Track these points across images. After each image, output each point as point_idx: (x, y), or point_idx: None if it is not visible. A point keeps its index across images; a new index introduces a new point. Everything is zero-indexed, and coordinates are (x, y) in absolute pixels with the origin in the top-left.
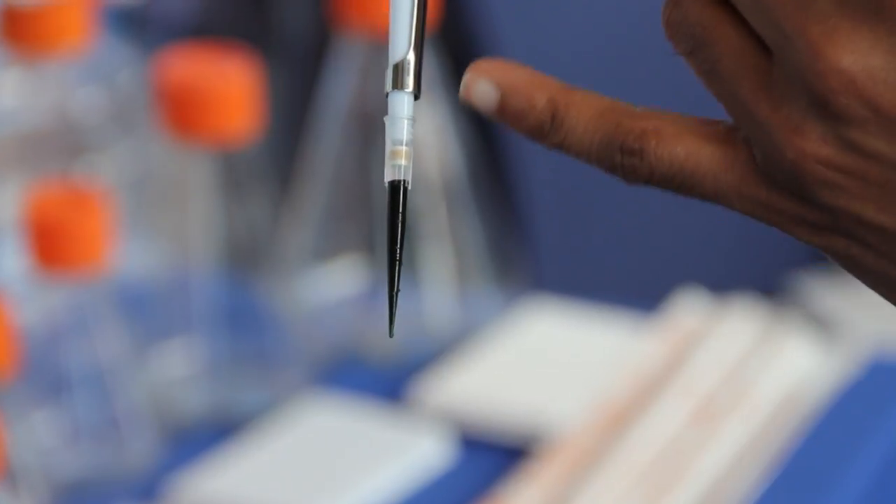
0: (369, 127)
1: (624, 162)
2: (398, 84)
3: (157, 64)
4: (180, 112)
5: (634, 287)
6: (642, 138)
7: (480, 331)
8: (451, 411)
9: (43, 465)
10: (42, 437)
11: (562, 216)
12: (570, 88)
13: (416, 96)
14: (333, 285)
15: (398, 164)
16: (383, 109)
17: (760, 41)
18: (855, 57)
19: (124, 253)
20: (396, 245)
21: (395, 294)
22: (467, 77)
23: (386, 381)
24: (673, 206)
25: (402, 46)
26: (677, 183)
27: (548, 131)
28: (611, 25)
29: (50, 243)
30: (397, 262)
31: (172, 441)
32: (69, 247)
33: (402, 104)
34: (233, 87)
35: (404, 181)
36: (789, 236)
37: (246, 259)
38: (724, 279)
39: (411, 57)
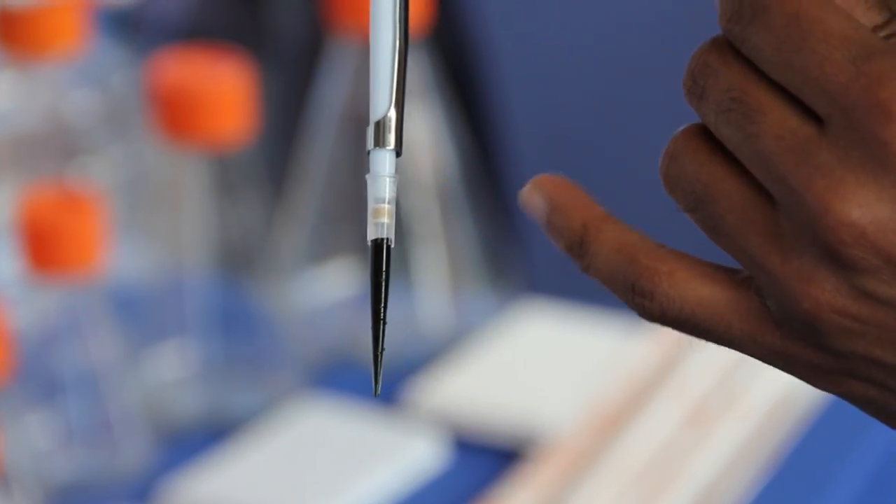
0: (363, 129)
1: (635, 301)
2: (380, 142)
3: (150, 66)
4: (174, 114)
5: None
6: (654, 280)
7: (474, 333)
8: (445, 414)
9: (37, 468)
10: (36, 440)
11: None
12: (605, 218)
13: (398, 153)
14: (327, 288)
15: (381, 222)
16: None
17: (763, 191)
18: (863, 210)
19: (118, 255)
20: (381, 304)
21: (380, 353)
22: (527, 188)
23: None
24: (667, 209)
25: (384, 104)
26: (689, 327)
27: (576, 255)
28: (604, 26)
29: (43, 246)
30: (382, 322)
31: (166, 443)
32: (63, 249)
33: (383, 162)
34: (226, 89)
35: (387, 239)
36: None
37: (240, 261)
38: None
39: (392, 114)
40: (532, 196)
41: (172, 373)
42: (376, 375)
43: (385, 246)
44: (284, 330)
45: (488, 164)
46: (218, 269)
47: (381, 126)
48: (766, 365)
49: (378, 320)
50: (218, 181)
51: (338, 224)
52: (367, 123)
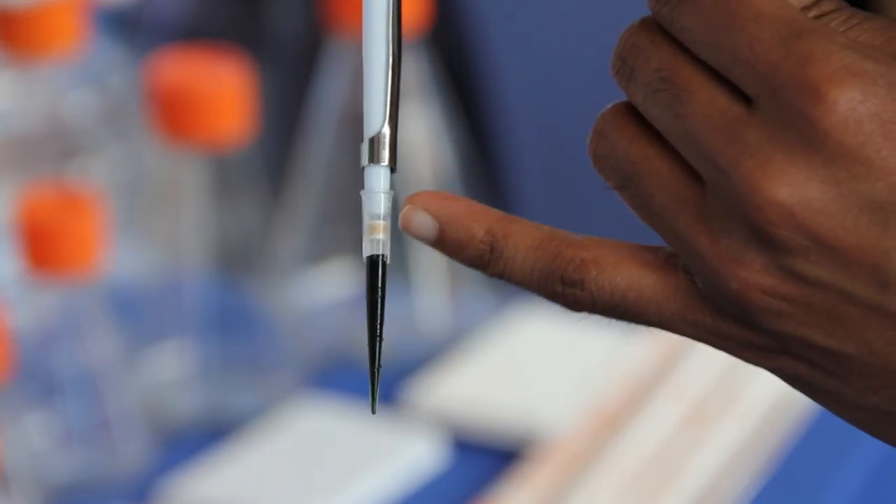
0: (361, 129)
1: (565, 292)
2: (374, 158)
3: (149, 66)
4: (172, 115)
5: None
6: (581, 269)
7: (473, 333)
8: (444, 414)
9: (36, 468)
10: (34, 440)
11: (553, 219)
12: (508, 218)
13: (393, 169)
14: (326, 288)
15: (376, 238)
16: None
17: (692, 171)
18: (791, 189)
19: (116, 256)
20: (376, 321)
21: (376, 371)
22: (405, 209)
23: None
24: None
25: (378, 120)
26: (620, 312)
27: (488, 262)
28: (603, 26)
29: (42, 246)
30: (378, 339)
31: (164, 444)
32: (61, 249)
33: (378, 178)
34: (225, 89)
35: (382, 255)
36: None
37: (238, 262)
38: None
39: (386, 130)
40: (414, 214)
41: (171, 373)
42: (373, 393)
43: (381, 262)
44: (283, 330)
45: (487, 163)
46: (217, 270)
47: (375, 142)
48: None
49: (374, 337)
50: (217, 181)
51: (336, 224)
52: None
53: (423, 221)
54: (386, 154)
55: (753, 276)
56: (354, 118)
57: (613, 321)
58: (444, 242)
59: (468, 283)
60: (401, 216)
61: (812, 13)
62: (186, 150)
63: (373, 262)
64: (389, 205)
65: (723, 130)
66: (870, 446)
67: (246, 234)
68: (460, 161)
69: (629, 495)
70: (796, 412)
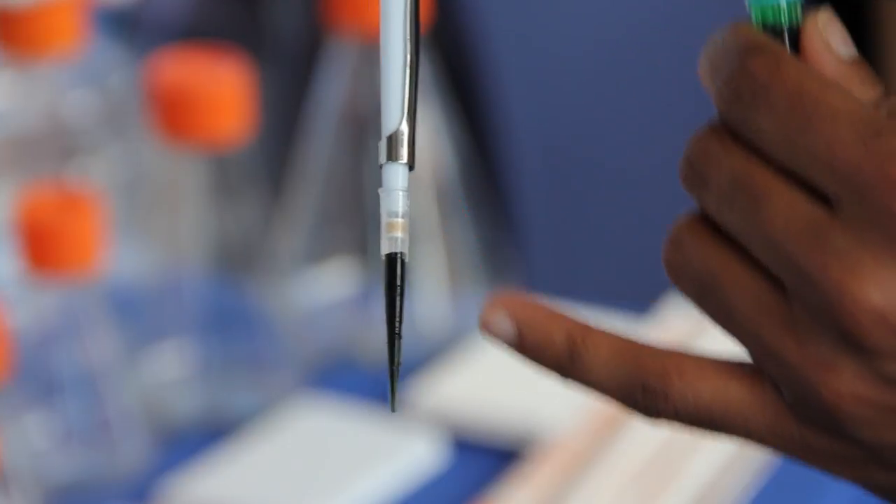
0: (362, 129)
1: (646, 402)
2: (392, 156)
3: (148, 66)
4: (172, 114)
5: (626, 289)
6: (665, 378)
7: (472, 333)
8: (444, 413)
9: (35, 468)
10: (34, 440)
11: (553, 218)
12: (588, 325)
13: (411, 167)
14: (326, 288)
15: (395, 236)
16: (376, 111)
17: (773, 277)
18: (882, 291)
19: (116, 255)
20: (395, 319)
21: (396, 369)
22: (485, 311)
23: (378, 383)
24: (665, 207)
25: (395, 117)
26: (704, 423)
27: (566, 367)
28: (604, 26)
29: (42, 246)
30: (397, 337)
31: (164, 443)
32: (61, 249)
33: (396, 176)
34: (225, 89)
35: (401, 254)
36: None
37: (238, 261)
38: None
39: (405, 128)
40: (495, 317)
41: (171, 373)
42: (393, 391)
43: (399, 260)
44: (283, 330)
45: (487, 163)
46: (216, 269)
47: (393, 140)
48: None
49: (393, 335)
50: (216, 181)
51: (337, 224)
52: (365, 123)
53: (504, 324)
54: (404, 152)
55: (845, 383)
56: (354, 118)
57: (694, 430)
58: (523, 346)
59: (468, 283)
60: (480, 318)
61: (883, 110)
62: (186, 150)
63: (391, 260)
64: (408, 203)
65: (806, 235)
66: None
67: (246, 234)
68: (460, 161)
69: (630, 494)
70: None
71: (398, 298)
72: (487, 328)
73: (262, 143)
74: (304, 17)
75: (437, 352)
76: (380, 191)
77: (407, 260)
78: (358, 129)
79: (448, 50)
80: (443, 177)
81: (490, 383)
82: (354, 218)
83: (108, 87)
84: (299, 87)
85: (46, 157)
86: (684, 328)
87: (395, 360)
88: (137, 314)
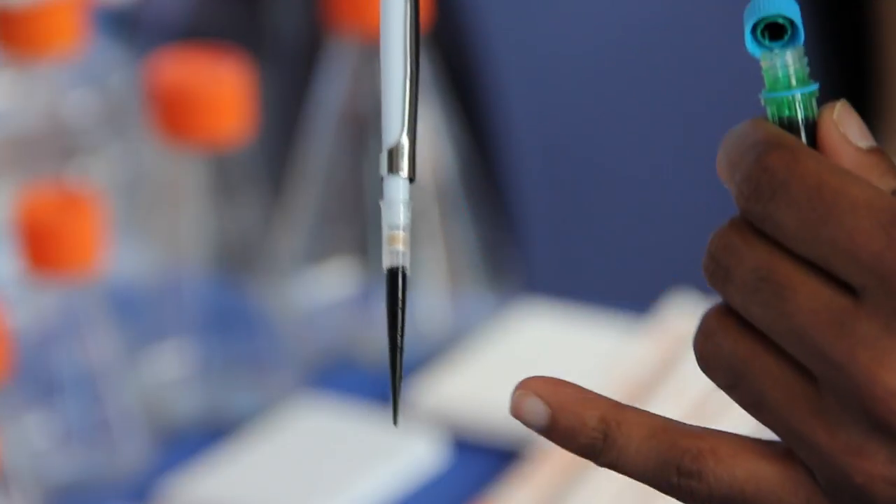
0: (362, 129)
1: (681, 483)
2: (393, 168)
3: (149, 66)
4: (172, 114)
5: (626, 289)
6: (699, 459)
7: (473, 333)
8: (444, 413)
9: (35, 468)
10: (34, 440)
11: (554, 218)
12: (621, 406)
13: (412, 179)
14: (326, 287)
15: (396, 249)
16: (376, 111)
17: (802, 366)
18: None
19: (116, 255)
20: (397, 332)
21: (398, 383)
22: (516, 394)
23: (378, 383)
24: (664, 208)
25: (396, 130)
26: (737, 502)
27: (600, 451)
28: (604, 27)
29: (42, 246)
30: (399, 350)
31: (164, 443)
32: (61, 249)
33: (397, 188)
34: (225, 89)
35: (403, 267)
36: None
37: (238, 261)
38: None
39: (405, 140)
40: (527, 401)
41: (171, 373)
42: (395, 404)
43: (401, 273)
44: (283, 330)
45: (487, 164)
46: (216, 269)
47: (394, 153)
48: None
49: (395, 348)
50: (217, 181)
51: (336, 224)
52: (365, 123)
53: (535, 408)
54: (405, 164)
55: (878, 468)
56: (354, 118)
57: None
58: (555, 430)
59: (468, 283)
60: (512, 402)
61: None
62: (186, 150)
63: (393, 273)
64: (409, 215)
65: (832, 325)
66: None
67: (246, 233)
68: (460, 161)
69: (629, 494)
70: None
71: (400, 311)
72: (520, 413)
73: (262, 143)
74: (304, 17)
75: (437, 352)
76: (381, 203)
77: (409, 273)
78: (358, 129)
79: (448, 50)
80: (443, 177)
81: (490, 383)
82: (354, 218)
83: (108, 87)
84: (299, 87)
85: (46, 157)
86: (684, 328)
87: (398, 373)
88: (137, 314)
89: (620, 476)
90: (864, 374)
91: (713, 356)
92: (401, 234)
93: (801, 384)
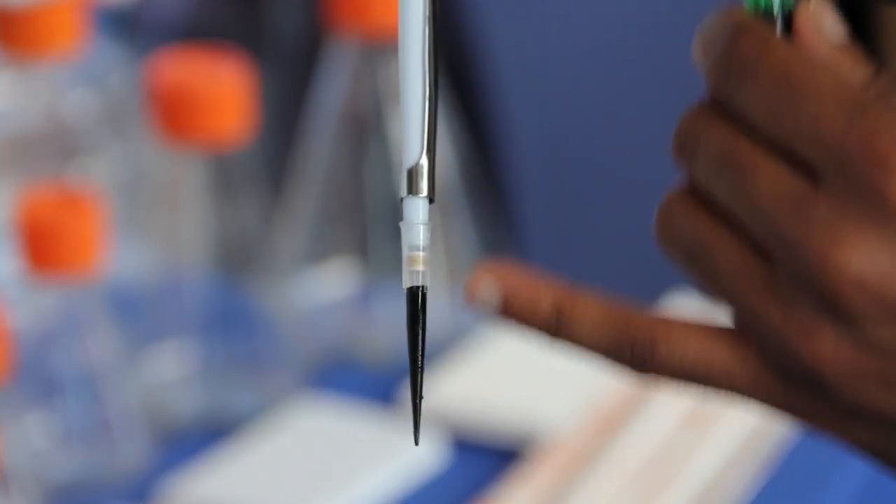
0: (362, 129)
1: (635, 359)
2: (413, 189)
3: (149, 66)
4: (172, 114)
5: (626, 289)
6: (652, 337)
7: (472, 333)
8: (444, 414)
9: (35, 468)
10: (35, 440)
11: (553, 219)
12: (574, 289)
13: (431, 200)
14: (326, 288)
15: (416, 270)
16: (376, 111)
17: (758, 246)
18: (863, 260)
19: (116, 255)
20: (418, 352)
21: (418, 401)
22: (470, 280)
23: (378, 383)
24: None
25: (415, 151)
26: (691, 378)
27: (552, 331)
28: (605, 28)
29: (42, 246)
30: (420, 370)
31: (165, 443)
32: (61, 249)
33: (416, 209)
34: (225, 89)
35: (423, 287)
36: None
37: (238, 261)
38: None
39: (424, 161)
40: (481, 284)
41: (171, 372)
42: (416, 423)
43: (421, 294)
44: (283, 330)
45: (487, 164)
46: (217, 269)
47: (413, 174)
48: None
49: (416, 368)
50: (217, 181)
51: (336, 224)
52: (365, 123)
53: (488, 292)
54: (424, 185)
55: (827, 347)
56: (354, 118)
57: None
58: (510, 311)
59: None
60: (465, 287)
61: (871, 92)
62: (186, 150)
63: (413, 294)
64: (429, 236)
65: (790, 206)
66: None
67: (246, 233)
68: (460, 161)
69: (630, 494)
70: None
71: (420, 331)
72: (472, 296)
73: (262, 143)
74: (304, 17)
75: (436, 352)
76: (400, 224)
77: (428, 293)
78: (358, 129)
79: (448, 50)
80: (443, 177)
81: (490, 383)
82: (354, 218)
83: (108, 87)
84: (299, 87)
85: (47, 157)
86: None
87: (419, 392)
88: (138, 314)
89: (620, 476)
90: (818, 255)
91: (672, 233)
92: (421, 255)
93: (757, 263)
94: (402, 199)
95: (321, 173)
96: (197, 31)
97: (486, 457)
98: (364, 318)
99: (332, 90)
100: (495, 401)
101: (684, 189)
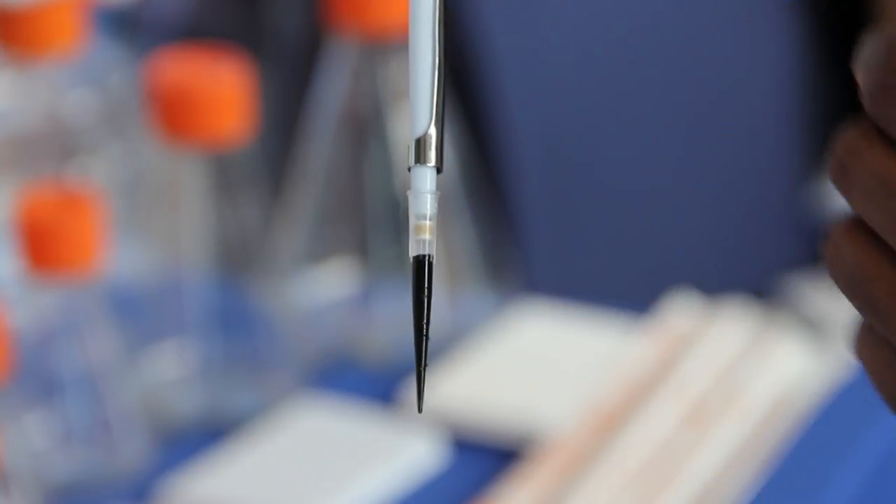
0: (362, 129)
1: None
2: (420, 158)
3: (149, 66)
4: (172, 114)
5: (626, 289)
6: None
7: (472, 333)
8: (443, 413)
9: (35, 467)
10: (34, 440)
11: (553, 219)
12: None
13: (439, 170)
14: (326, 287)
15: (423, 238)
16: (376, 111)
17: None
18: None
19: (116, 255)
20: (423, 320)
21: (423, 370)
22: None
23: (378, 383)
24: (664, 208)
25: (424, 120)
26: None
27: None
28: (605, 25)
29: (42, 245)
30: (425, 338)
31: (165, 443)
32: (61, 249)
33: (424, 178)
34: (225, 89)
35: (429, 256)
36: (780, 239)
37: (238, 261)
38: (715, 281)
39: (433, 131)
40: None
41: (171, 372)
42: (420, 391)
43: (427, 262)
44: (283, 329)
45: (487, 163)
46: (217, 269)
47: (421, 143)
48: (763, 366)
49: (421, 336)
50: (217, 181)
51: (336, 224)
52: (365, 123)
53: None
54: (433, 154)
55: None
56: (354, 118)
57: None
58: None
59: (468, 283)
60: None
61: None
62: (186, 150)
63: (419, 262)
64: (436, 205)
65: None
66: (870, 447)
67: (246, 233)
68: (461, 160)
69: (629, 494)
70: (797, 411)
71: (426, 300)
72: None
73: (262, 142)
74: (304, 17)
75: (436, 352)
76: (408, 193)
77: (434, 262)
78: (358, 129)
79: (449, 51)
80: (443, 178)
81: (490, 383)
82: (354, 218)
83: (108, 87)
84: (299, 87)
85: (46, 157)
86: (684, 328)
87: (423, 361)
88: (137, 314)
89: (620, 476)
90: None
91: (838, 263)
92: (428, 224)
93: None
94: (409, 169)
95: (321, 173)
96: (197, 31)
97: (486, 457)
98: (364, 318)
99: (332, 90)
100: (495, 401)
101: (849, 219)
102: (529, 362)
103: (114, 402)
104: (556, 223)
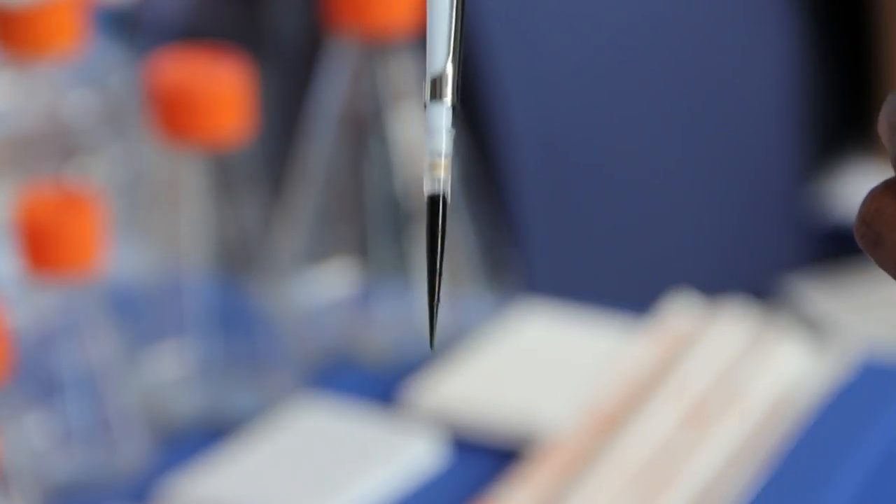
0: (361, 129)
1: None
2: (437, 95)
3: (148, 66)
4: (172, 114)
5: (626, 290)
6: None
7: (472, 333)
8: (443, 414)
9: (35, 468)
10: (34, 440)
11: (554, 219)
12: None
13: (455, 108)
14: (326, 288)
15: (437, 176)
16: (376, 111)
17: None
18: None
19: (116, 255)
20: (436, 257)
21: (436, 306)
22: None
23: (378, 383)
24: (664, 208)
25: (441, 57)
26: None
27: None
28: (605, 25)
29: (41, 246)
30: (438, 275)
31: (164, 443)
32: (61, 249)
33: (440, 115)
34: (225, 89)
35: (444, 193)
36: (779, 239)
37: (238, 261)
38: (715, 282)
39: (450, 68)
40: None
41: (171, 373)
42: (432, 328)
43: (441, 200)
44: (283, 330)
45: (487, 164)
46: (216, 269)
47: (438, 80)
48: (763, 367)
49: (434, 272)
50: (217, 181)
51: (336, 224)
52: (365, 123)
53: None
54: (449, 92)
55: None
56: (354, 118)
57: None
58: None
59: (468, 283)
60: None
61: None
62: (186, 150)
63: (433, 199)
64: (451, 143)
65: None
66: (870, 447)
67: (246, 233)
68: (460, 161)
69: (629, 494)
70: (796, 411)
71: (440, 237)
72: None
73: (262, 142)
74: (304, 17)
75: (437, 352)
76: (424, 130)
77: (449, 200)
78: (358, 129)
79: None
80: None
81: (490, 383)
82: (354, 218)
83: (108, 87)
84: (299, 87)
85: (46, 157)
86: (684, 329)
87: (436, 297)
88: (137, 314)
89: (620, 476)
90: None
91: (872, 216)
92: (443, 162)
93: None
94: (425, 105)
95: (321, 173)
96: (197, 31)
97: (486, 457)
98: (364, 318)
99: (332, 90)
100: (495, 401)
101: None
102: (529, 362)
103: (114, 402)
104: (556, 223)
